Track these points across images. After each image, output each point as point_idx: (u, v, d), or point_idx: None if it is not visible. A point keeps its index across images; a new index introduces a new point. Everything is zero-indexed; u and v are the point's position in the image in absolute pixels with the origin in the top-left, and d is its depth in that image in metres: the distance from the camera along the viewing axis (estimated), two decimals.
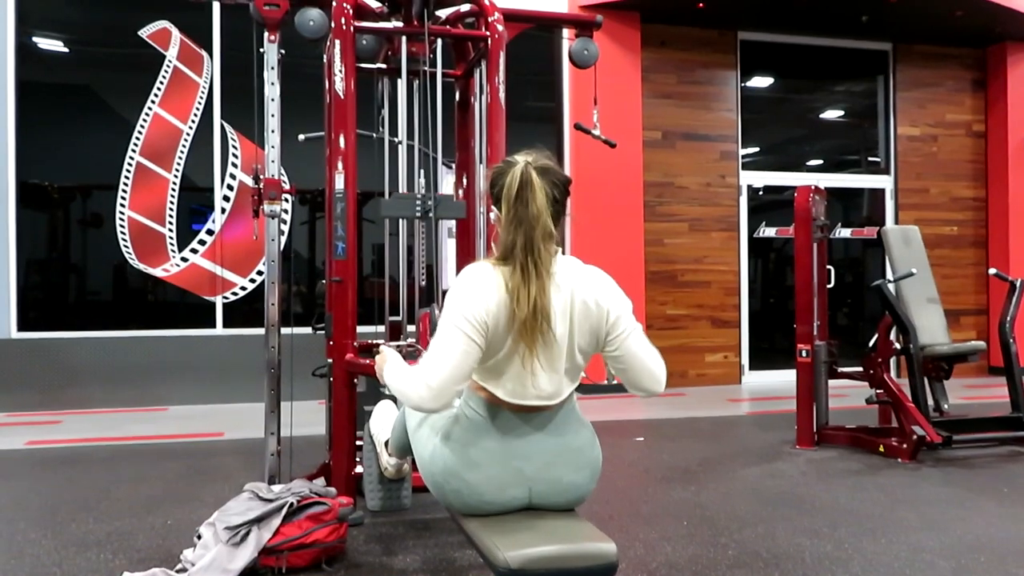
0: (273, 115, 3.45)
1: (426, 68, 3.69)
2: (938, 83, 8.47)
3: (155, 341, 6.65)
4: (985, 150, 8.58)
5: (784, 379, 6.59)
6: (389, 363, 1.95)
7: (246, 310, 6.86)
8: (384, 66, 3.86)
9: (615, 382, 2.06)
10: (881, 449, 4.57)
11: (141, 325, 6.76)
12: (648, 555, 2.92)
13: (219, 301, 6.86)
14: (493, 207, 1.90)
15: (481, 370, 1.84)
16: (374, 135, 3.91)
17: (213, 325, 6.84)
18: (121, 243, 6.68)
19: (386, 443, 2.54)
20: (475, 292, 1.78)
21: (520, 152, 1.90)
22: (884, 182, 8.46)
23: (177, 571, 2.69)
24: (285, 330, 3.50)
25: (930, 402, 4.71)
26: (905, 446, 4.44)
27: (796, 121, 8.70)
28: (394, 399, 2.81)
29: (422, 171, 3.68)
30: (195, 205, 6.85)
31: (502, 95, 3.54)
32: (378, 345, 3.32)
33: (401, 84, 3.65)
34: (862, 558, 2.88)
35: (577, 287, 1.83)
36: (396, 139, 3.71)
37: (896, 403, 4.57)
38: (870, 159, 8.63)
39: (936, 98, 8.47)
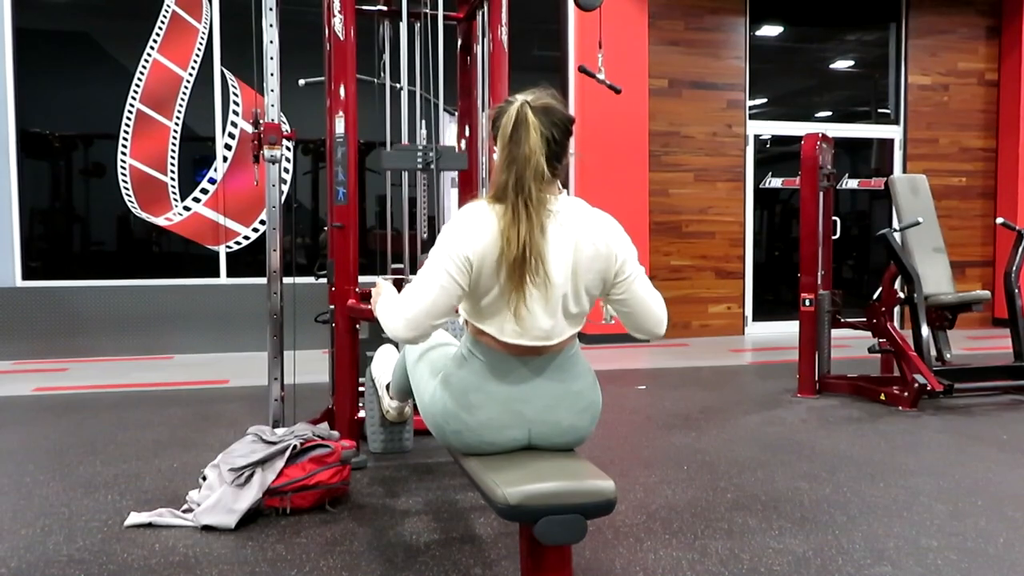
0: (272, 58, 3.40)
1: (427, 10, 3.62)
2: (951, 30, 8.29)
3: (160, 290, 6.67)
4: (997, 99, 8.44)
5: (787, 331, 6.60)
6: (382, 295, 2.00)
7: (249, 260, 6.86)
8: (384, 8, 3.78)
9: (612, 321, 2.06)
10: (882, 397, 4.59)
11: (146, 274, 6.77)
12: (648, 498, 2.95)
13: (222, 250, 6.86)
14: (495, 148, 1.87)
15: (475, 310, 1.84)
16: (375, 80, 3.86)
17: (217, 274, 6.86)
18: (123, 192, 6.66)
19: (387, 386, 2.55)
20: (464, 230, 1.77)
21: (525, 90, 1.86)
22: (893, 132, 8.35)
23: (183, 511, 2.73)
24: (288, 279, 3.50)
25: (933, 351, 4.71)
26: (906, 394, 4.45)
27: (806, 71, 8.53)
28: (396, 344, 2.82)
29: (424, 121, 3.63)
30: (197, 156, 6.81)
31: (504, 38, 3.48)
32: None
33: (402, 27, 3.58)
34: (860, 501, 2.91)
35: (583, 230, 1.81)
36: (397, 85, 3.66)
37: (899, 351, 4.57)
38: (880, 110, 8.50)
39: (949, 46, 8.30)
